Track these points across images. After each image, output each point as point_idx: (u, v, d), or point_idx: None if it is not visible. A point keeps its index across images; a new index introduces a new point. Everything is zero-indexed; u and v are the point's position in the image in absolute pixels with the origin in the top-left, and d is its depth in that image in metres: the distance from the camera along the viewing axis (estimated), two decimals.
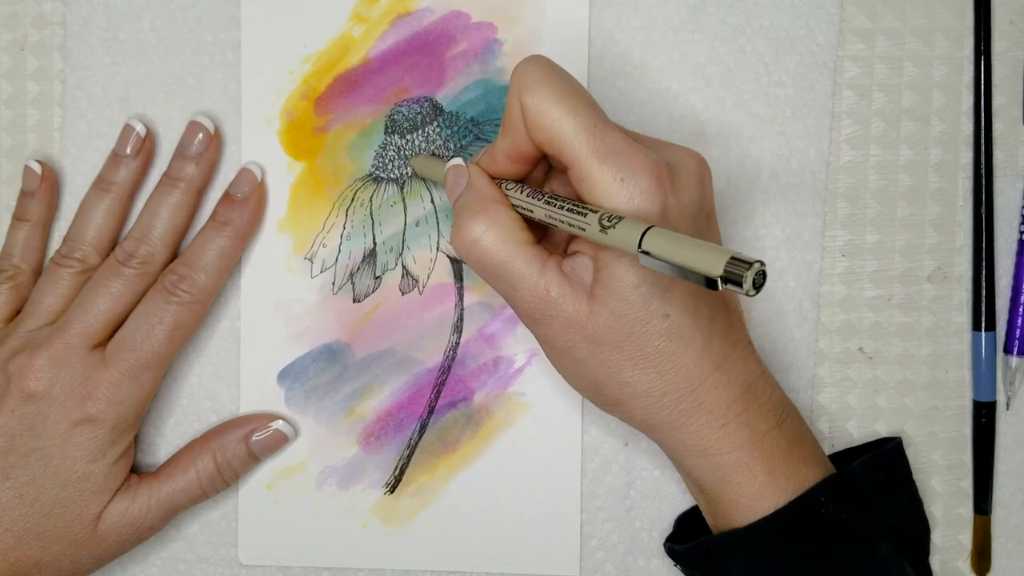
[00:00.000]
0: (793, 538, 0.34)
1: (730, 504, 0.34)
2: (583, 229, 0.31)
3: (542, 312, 0.33)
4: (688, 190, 0.33)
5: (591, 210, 0.31)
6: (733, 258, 0.26)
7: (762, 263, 0.26)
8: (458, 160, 0.36)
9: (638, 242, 0.28)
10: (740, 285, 0.26)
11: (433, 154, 0.41)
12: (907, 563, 0.35)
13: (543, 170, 0.37)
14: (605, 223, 0.30)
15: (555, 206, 0.32)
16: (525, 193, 0.34)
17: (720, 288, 0.26)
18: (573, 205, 0.32)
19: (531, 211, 0.34)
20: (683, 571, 0.39)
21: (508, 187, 0.35)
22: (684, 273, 0.27)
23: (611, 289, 0.32)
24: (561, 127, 0.32)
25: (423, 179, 0.41)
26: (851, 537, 0.34)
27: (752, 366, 0.35)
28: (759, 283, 0.26)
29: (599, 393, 0.34)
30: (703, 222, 0.34)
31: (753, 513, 0.34)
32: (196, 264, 0.39)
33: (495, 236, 0.33)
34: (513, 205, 0.34)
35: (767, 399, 0.35)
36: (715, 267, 0.26)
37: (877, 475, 0.36)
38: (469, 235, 0.33)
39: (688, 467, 0.35)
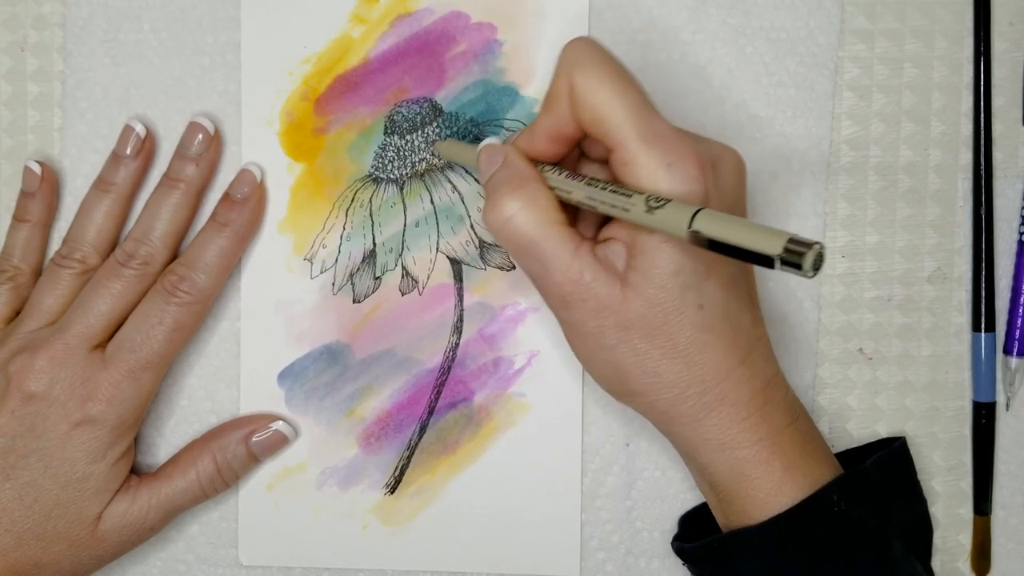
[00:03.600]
0: (806, 536, 0.33)
1: (746, 500, 0.34)
2: (627, 210, 0.30)
3: (573, 295, 0.33)
4: (726, 183, 0.33)
5: (636, 192, 0.31)
6: (792, 239, 0.26)
7: (822, 245, 0.26)
8: (494, 139, 0.36)
9: (688, 223, 0.28)
10: (799, 267, 0.26)
11: (433, 154, 0.41)
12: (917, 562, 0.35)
13: (574, 158, 0.36)
14: (653, 203, 0.30)
15: (596, 187, 0.32)
16: (564, 175, 0.33)
17: (777, 268, 0.26)
18: (616, 187, 0.31)
19: (569, 192, 0.33)
20: (692, 570, 0.38)
21: (545, 169, 0.34)
22: (738, 253, 0.27)
23: (648, 276, 0.32)
24: (610, 108, 0.32)
25: (423, 180, 0.41)
26: (864, 536, 0.34)
27: (771, 363, 0.35)
28: (818, 265, 0.26)
29: (621, 382, 0.34)
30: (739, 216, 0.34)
31: (769, 509, 0.34)
32: (196, 265, 0.39)
33: (530, 214, 0.33)
34: (550, 186, 0.34)
35: (783, 396, 0.35)
36: (774, 247, 0.26)
37: (888, 474, 0.36)
38: (504, 211, 0.33)
39: (704, 462, 0.35)
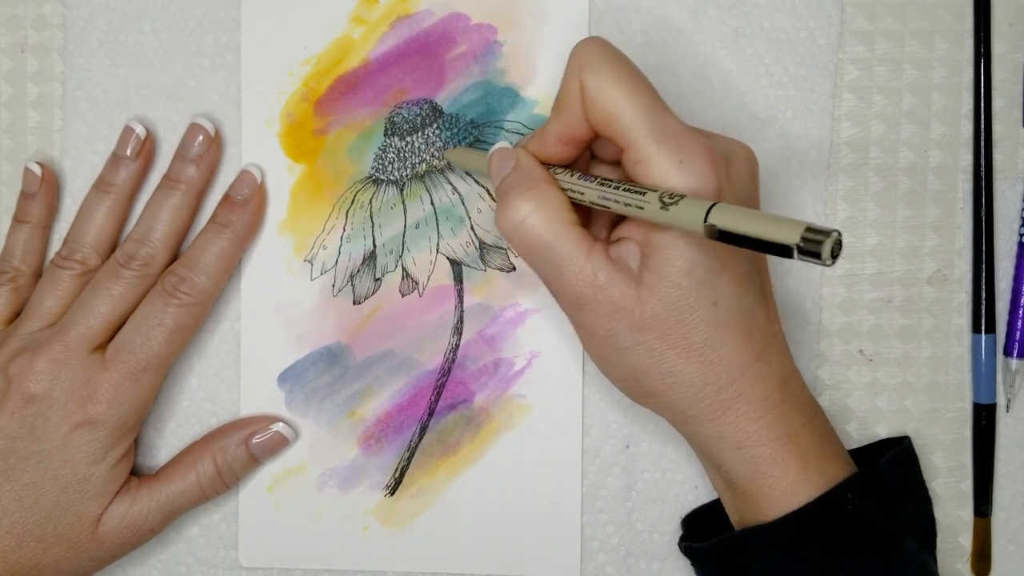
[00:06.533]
0: (819, 535, 0.33)
1: (762, 498, 0.34)
2: (641, 208, 0.30)
3: (587, 297, 0.32)
4: (739, 179, 0.33)
5: (649, 189, 0.31)
6: (809, 228, 0.26)
7: (839, 232, 0.26)
8: (504, 143, 0.36)
9: (704, 217, 0.28)
10: (818, 255, 0.26)
11: (433, 155, 0.41)
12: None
13: (585, 160, 0.36)
14: (667, 200, 0.30)
15: (610, 187, 0.32)
16: (576, 176, 0.33)
17: (795, 257, 0.26)
18: (629, 186, 0.31)
19: (582, 193, 0.33)
20: (700, 571, 0.38)
21: (557, 171, 0.34)
22: (756, 244, 0.27)
23: (662, 275, 0.32)
24: (621, 107, 0.31)
25: (423, 181, 0.41)
26: (877, 534, 0.34)
27: (787, 360, 0.35)
28: (836, 252, 0.26)
29: (638, 384, 0.34)
30: None
31: (785, 507, 0.34)
32: (196, 266, 0.39)
33: (543, 216, 0.32)
34: (562, 188, 0.34)
35: (799, 394, 0.35)
36: (791, 236, 0.26)
37: (899, 473, 0.36)
38: (516, 214, 0.33)
39: (721, 460, 0.35)
